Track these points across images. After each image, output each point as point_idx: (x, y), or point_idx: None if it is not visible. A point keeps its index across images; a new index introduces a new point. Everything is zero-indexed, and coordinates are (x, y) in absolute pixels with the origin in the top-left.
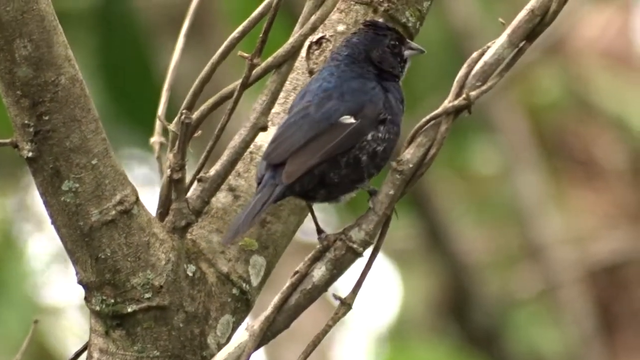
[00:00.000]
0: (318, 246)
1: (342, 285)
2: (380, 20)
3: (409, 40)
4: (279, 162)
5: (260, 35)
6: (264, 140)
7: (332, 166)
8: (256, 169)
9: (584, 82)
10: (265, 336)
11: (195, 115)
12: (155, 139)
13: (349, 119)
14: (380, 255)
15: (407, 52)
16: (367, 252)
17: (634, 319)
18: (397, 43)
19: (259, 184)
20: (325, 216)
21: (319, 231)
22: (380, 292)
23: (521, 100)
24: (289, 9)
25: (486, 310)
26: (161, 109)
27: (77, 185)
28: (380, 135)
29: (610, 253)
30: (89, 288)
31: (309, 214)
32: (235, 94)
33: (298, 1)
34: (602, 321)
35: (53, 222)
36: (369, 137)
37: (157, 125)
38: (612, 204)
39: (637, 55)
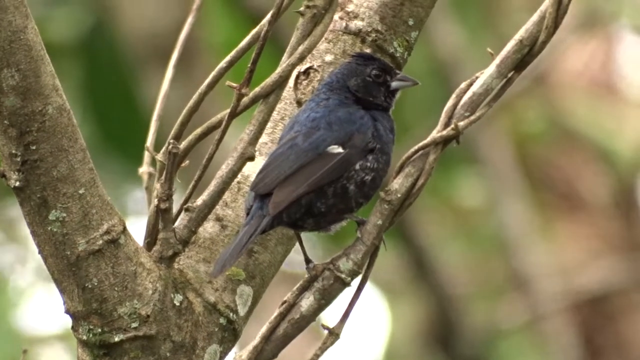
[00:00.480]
0: (306, 276)
1: (330, 315)
2: (368, 50)
3: (399, 72)
4: (266, 193)
5: (249, 65)
6: (251, 170)
7: (319, 196)
8: (244, 199)
9: (568, 114)
10: None
11: (182, 145)
12: (144, 169)
13: (337, 149)
14: (368, 285)
15: (395, 84)
16: (355, 282)
17: (618, 351)
18: (380, 73)
19: (247, 214)
20: (311, 245)
21: (307, 260)
22: (368, 321)
23: (507, 132)
24: (277, 39)
25: (471, 341)
26: (150, 140)
27: (64, 214)
28: (368, 164)
29: (594, 284)
30: (76, 317)
31: (297, 244)
32: (223, 123)
33: (286, 31)
34: (586, 352)
35: (40, 252)
36: (357, 166)
37: (146, 155)
38: (596, 236)
39: (621, 87)
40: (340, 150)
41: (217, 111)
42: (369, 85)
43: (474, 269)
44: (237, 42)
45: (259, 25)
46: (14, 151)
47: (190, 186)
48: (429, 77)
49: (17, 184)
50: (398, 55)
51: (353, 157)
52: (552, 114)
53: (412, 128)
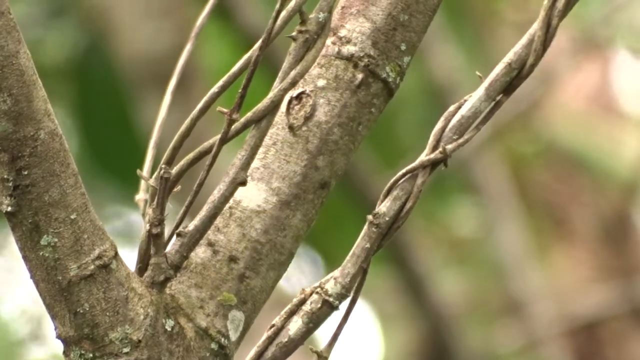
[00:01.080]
0: (294, 300)
1: (320, 338)
2: (360, 75)
3: None
4: None
5: (239, 90)
6: (243, 195)
7: None
8: (236, 225)
9: (564, 136)
10: None
11: (174, 170)
12: (140, 196)
13: None
14: (360, 308)
15: None
16: (344, 305)
17: None
18: None
19: None
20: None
21: None
22: (361, 345)
23: (502, 157)
24: (270, 63)
25: None
26: (147, 167)
27: (56, 239)
28: None
29: (590, 310)
30: (68, 343)
31: (288, 269)
32: (214, 149)
33: (278, 56)
34: None
35: (32, 277)
36: None
37: (142, 182)
38: (591, 262)
39: (618, 108)
40: None
41: (211, 136)
42: None
43: (469, 294)
44: (234, 65)
45: (251, 50)
46: (5, 176)
47: (182, 211)
48: (423, 97)
49: (9, 209)
50: (390, 80)
51: None
52: (548, 136)
53: (407, 151)
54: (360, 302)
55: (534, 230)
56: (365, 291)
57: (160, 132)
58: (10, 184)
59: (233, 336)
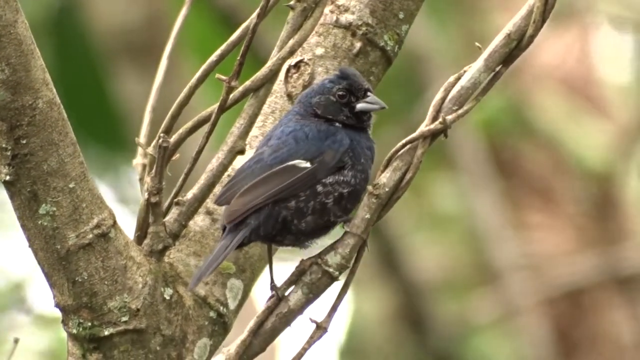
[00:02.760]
0: (294, 269)
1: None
2: (359, 44)
3: (370, 94)
4: (227, 204)
5: (238, 58)
6: (241, 163)
7: (298, 214)
8: None
9: (538, 113)
10: (242, 359)
11: (173, 138)
12: (138, 160)
13: (303, 163)
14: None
15: (360, 105)
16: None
17: (593, 345)
18: (345, 93)
19: (223, 230)
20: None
21: (272, 281)
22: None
23: (479, 126)
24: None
25: (442, 334)
26: (143, 132)
27: (55, 208)
28: (344, 179)
29: (569, 278)
30: (66, 311)
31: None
32: (213, 116)
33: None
34: (561, 347)
35: (30, 246)
36: (330, 180)
37: (139, 148)
38: (571, 230)
39: (596, 81)
40: (307, 165)
41: (201, 108)
42: (330, 105)
43: (446, 263)
44: (210, 40)
45: (249, 19)
46: (4, 145)
47: (180, 180)
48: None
49: (7, 177)
50: (389, 48)
51: (320, 172)
52: (523, 110)
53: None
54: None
55: (510, 199)
56: None
57: (157, 96)
58: (9, 153)
59: (232, 304)
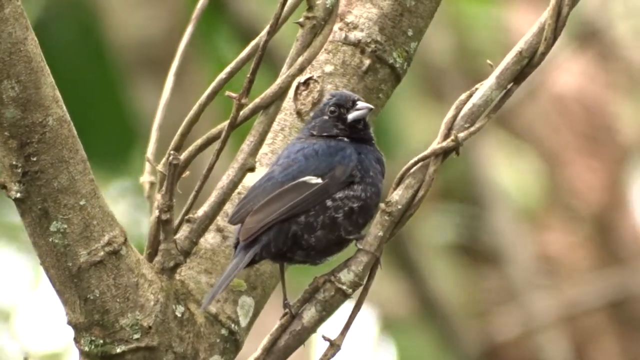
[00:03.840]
0: (307, 287)
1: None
2: (368, 61)
3: (359, 102)
4: (240, 223)
5: (248, 75)
6: (252, 181)
7: (307, 229)
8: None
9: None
10: None
11: (183, 155)
12: (145, 178)
13: (314, 179)
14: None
15: (350, 116)
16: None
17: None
18: (334, 109)
19: (235, 248)
20: None
21: (285, 299)
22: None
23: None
24: (272, 56)
25: (469, 353)
26: (150, 149)
27: (66, 226)
28: (353, 193)
29: (586, 297)
30: (78, 329)
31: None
32: (223, 134)
33: (279, 52)
34: None
35: (42, 263)
36: (340, 195)
37: (147, 164)
38: (586, 250)
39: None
40: (318, 180)
41: (209, 125)
42: (324, 123)
43: (467, 284)
44: (226, 55)
45: (259, 36)
46: (14, 162)
47: (191, 197)
48: None
49: (18, 195)
50: (397, 65)
51: (331, 188)
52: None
53: None
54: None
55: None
56: None
57: (164, 114)
58: (19, 170)
59: (243, 322)
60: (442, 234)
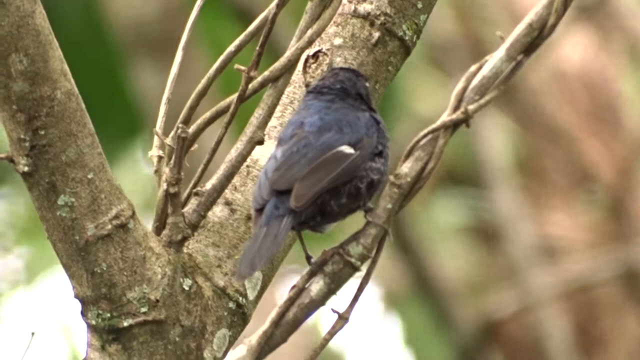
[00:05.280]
0: (316, 260)
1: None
2: (377, 34)
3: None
4: (285, 189)
5: (257, 48)
6: (260, 154)
7: (334, 195)
8: (253, 183)
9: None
10: (263, 350)
11: (191, 129)
12: (154, 152)
13: (349, 149)
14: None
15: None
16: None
17: (612, 342)
18: (367, 85)
19: (258, 210)
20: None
21: (308, 257)
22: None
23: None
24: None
25: (466, 332)
26: (159, 123)
27: (73, 199)
28: (376, 165)
29: (587, 273)
30: (85, 302)
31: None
32: (232, 107)
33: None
34: (580, 343)
35: (49, 237)
36: (367, 166)
37: (155, 138)
38: (587, 226)
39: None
40: (352, 151)
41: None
42: (369, 94)
43: (462, 268)
44: (225, 36)
45: (267, 9)
46: (22, 136)
47: (199, 170)
48: None
49: (26, 169)
50: (407, 38)
51: (363, 159)
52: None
53: None
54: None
55: (527, 194)
56: None
57: (172, 88)
58: (27, 144)
59: (251, 295)
60: (447, 215)
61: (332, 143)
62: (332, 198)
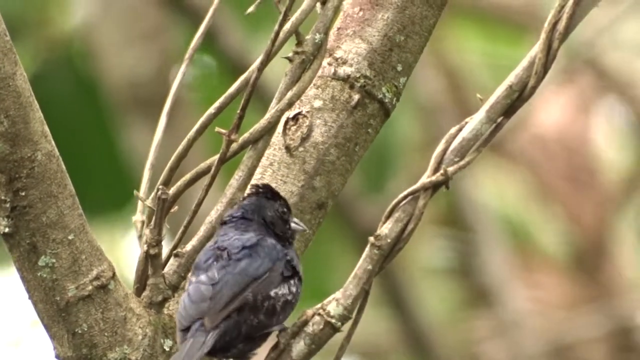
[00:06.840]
0: (296, 321)
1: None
2: (357, 96)
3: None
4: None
5: (238, 111)
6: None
7: (251, 312)
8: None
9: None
10: None
11: (171, 190)
12: (137, 217)
13: (263, 274)
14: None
15: (293, 225)
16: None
17: None
18: (285, 210)
19: (183, 330)
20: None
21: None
22: None
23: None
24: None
25: None
26: (143, 188)
27: (54, 260)
28: (290, 288)
29: (572, 332)
30: None
31: None
32: (213, 169)
33: (270, 85)
34: None
35: (30, 297)
36: (281, 288)
37: (139, 203)
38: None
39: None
40: (265, 275)
41: (197, 161)
42: (278, 221)
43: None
44: (215, 92)
45: (248, 71)
46: (3, 197)
47: (180, 232)
48: None
49: (7, 230)
50: (387, 100)
51: (275, 280)
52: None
53: None
54: None
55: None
56: None
57: (157, 153)
58: (8, 205)
59: None
60: (435, 259)
61: (247, 270)
62: (250, 315)
